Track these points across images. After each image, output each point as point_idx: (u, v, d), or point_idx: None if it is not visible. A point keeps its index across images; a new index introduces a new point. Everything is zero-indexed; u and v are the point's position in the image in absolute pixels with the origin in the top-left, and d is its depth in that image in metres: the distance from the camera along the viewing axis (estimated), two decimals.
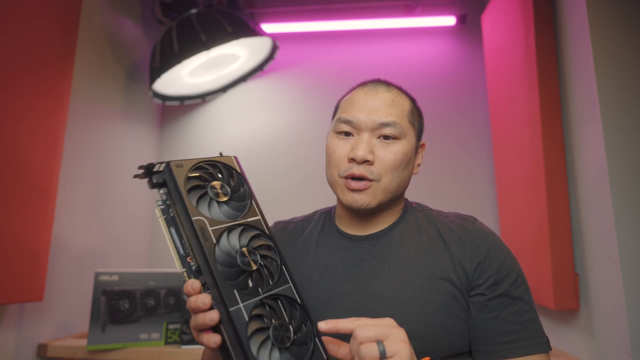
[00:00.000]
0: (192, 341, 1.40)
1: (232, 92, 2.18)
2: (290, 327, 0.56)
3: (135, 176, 0.61)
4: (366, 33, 2.17)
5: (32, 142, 1.25)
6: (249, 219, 0.62)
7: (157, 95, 1.92)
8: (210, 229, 0.57)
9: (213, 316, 0.55)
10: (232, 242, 0.58)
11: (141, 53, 2.03)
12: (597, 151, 1.17)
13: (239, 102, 2.18)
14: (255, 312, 0.55)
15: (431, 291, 0.72)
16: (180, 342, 1.42)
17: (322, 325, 0.56)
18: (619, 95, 1.14)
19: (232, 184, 0.63)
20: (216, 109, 2.19)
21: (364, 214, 0.80)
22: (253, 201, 0.64)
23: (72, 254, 1.55)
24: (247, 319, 0.54)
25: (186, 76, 1.90)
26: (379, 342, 0.54)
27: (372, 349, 0.53)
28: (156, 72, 1.73)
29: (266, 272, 0.59)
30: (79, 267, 1.58)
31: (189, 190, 0.59)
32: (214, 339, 0.55)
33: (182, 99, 2.07)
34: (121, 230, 1.85)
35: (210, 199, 0.60)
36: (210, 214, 0.59)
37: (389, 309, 0.71)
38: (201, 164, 0.62)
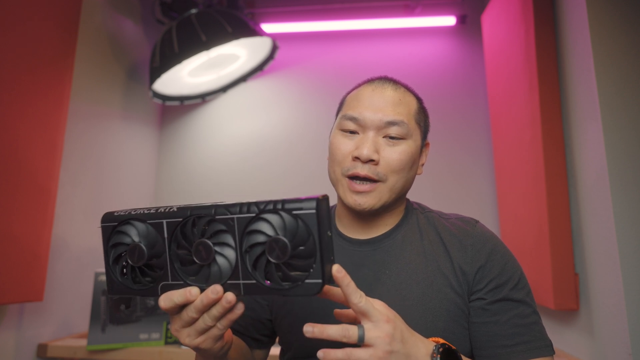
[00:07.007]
0: None
1: (232, 92, 2.18)
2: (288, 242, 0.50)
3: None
4: (366, 33, 2.17)
5: (32, 142, 1.25)
6: None
7: (157, 95, 1.92)
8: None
9: (239, 310, 0.54)
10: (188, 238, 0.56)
11: (141, 53, 2.03)
12: (597, 151, 1.16)
13: (239, 102, 2.18)
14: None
15: (432, 298, 0.72)
16: (180, 342, 1.42)
17: (308, 329, 0.53)
18: (619, 95, 1.14)
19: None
20: (216, 109, 2.19)
21: (365, 216, 0.79)
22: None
23: (72, 254, 1.55)
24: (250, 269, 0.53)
25: (186, 76, 1.90)
26: (359, 326, 0.53)
27: (350, 332, 0.52)
28: (156, 72, 1.73)
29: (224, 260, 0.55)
30: (79, 267, 1.58)
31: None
32: (238, 309, 0.55)
33: (182, 99, 2.06)
34: None
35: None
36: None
37: None
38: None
